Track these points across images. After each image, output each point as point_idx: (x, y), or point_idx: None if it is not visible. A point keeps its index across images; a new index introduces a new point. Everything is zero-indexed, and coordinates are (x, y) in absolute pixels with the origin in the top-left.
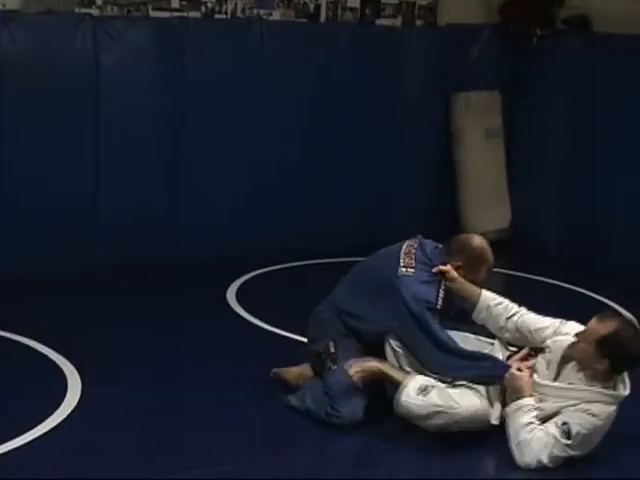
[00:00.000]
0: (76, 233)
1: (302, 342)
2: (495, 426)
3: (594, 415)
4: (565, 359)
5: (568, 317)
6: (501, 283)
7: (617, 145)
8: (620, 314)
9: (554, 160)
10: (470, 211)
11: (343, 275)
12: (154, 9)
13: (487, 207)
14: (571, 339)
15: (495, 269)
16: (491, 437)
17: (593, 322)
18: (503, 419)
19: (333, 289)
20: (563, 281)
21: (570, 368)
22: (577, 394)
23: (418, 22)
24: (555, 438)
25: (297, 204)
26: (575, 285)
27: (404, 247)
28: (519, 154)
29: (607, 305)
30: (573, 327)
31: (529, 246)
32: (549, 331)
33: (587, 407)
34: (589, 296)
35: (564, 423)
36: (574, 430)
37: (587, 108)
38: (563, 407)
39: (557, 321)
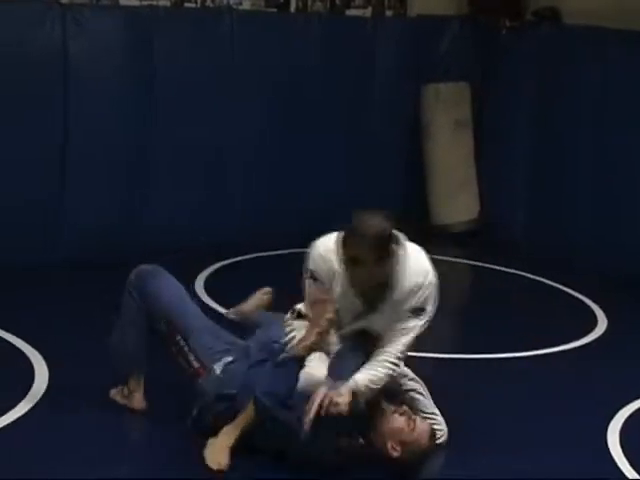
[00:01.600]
0: (44, 225)
1: None
2: None
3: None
4: None
5: (531, 307)
6: (467, 274)
7: (583, 136)
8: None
9: (522, 151)
10: (439, 201)
11: None
12: None
13: (456, 197)
14: None
15: (462, 260)
16: None
17: None
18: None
19: None
20: (530, 272)
21: None
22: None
23: (388, 13)
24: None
25: (265, 193)
26: (541, 275)
27: None
28: (488, 145)
29: (572, 295)
30: None
31: (496, 236)
32: None
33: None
34: (553, 286)
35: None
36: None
37: (555, 99)
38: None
39: None
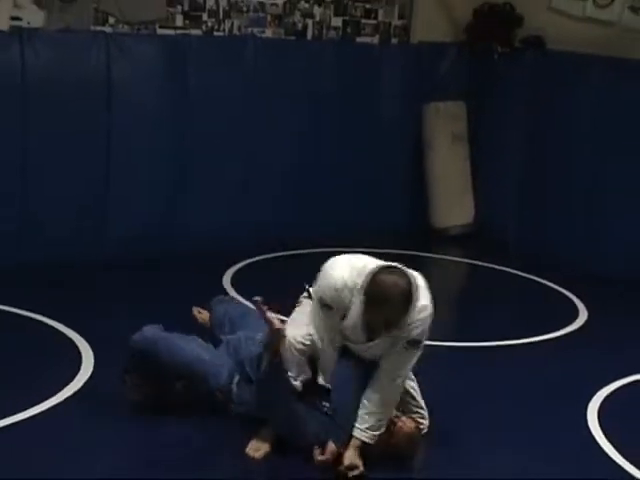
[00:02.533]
0: (91, 227)
1: None
2: None
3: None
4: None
5: (520, 301)
6: (464, 272)
7: (568, 148)
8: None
9: (513, 161)
10: (438, 207)
11: None
12: (161, 27)
13: (453, 203)
14: None
15: (459, 259)
16: None
17: None
18: None
19: None
20: (519, 270)
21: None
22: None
23: (394, 40)
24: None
25: (289, 201)
26: (530, 273)
27: None
28: (482, 156)
29: (557, 290)
30: None
31: (490, 239)
32: None
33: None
34: (541, 282)
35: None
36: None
37: (542, 117)
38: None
39: None
